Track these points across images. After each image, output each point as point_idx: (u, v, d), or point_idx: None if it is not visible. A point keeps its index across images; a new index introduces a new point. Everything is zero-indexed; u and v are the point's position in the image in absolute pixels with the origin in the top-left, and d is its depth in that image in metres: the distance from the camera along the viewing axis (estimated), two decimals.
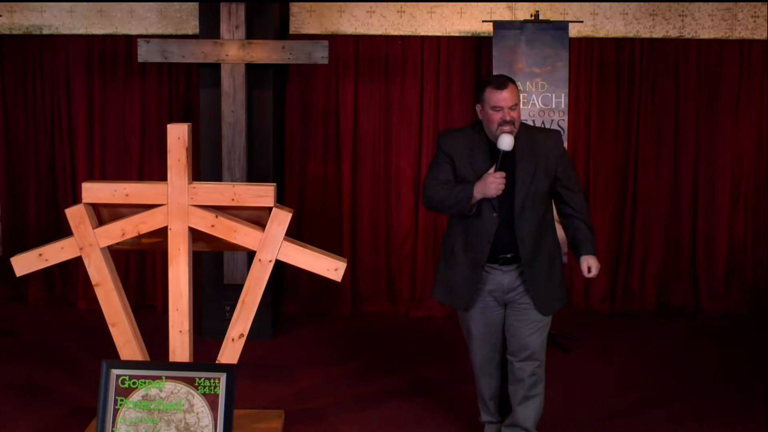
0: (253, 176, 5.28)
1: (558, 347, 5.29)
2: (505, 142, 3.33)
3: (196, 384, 3.35)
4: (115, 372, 3.36)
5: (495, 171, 3.33)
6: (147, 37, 5.75)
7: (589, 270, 3.48)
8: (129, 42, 5.86)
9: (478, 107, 3.46)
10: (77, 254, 3.51)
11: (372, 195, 6.07)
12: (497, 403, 3.78)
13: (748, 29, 6.03)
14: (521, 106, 5.38)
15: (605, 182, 6.12)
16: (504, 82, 3.40)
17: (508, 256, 3.47)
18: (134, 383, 3.35)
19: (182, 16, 5.90)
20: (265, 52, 5.11)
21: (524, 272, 3.46)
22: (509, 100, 3.36)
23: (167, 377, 3.36)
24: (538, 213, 3.46)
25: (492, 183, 3.31)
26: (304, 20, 5.94)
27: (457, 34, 5.98)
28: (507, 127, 3.35)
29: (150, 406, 3.34)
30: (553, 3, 5.91)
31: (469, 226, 3.47)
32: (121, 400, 3.34)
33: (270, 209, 3.49)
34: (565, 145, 5.39)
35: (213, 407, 3.34)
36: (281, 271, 5.79)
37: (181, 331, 3.51)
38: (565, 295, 3.63)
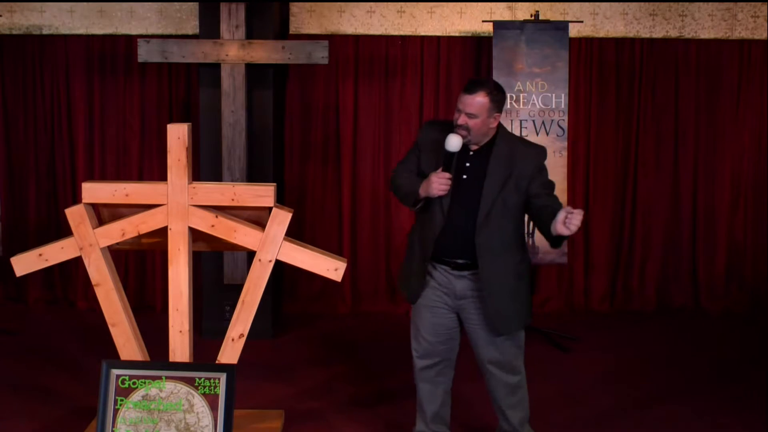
0: (253, 176, 5.28)
1: (557, 347, 5.29)
2: (451, 143, 3.27)
3: (196, 384, 3.35)
4: (115, 372, 3.36)
5: (441, 171, 3.29)
6: (147, 37, 5.75)
7: (567, 215, 3.09)
8: (129, 42, 5.87)
9: None
10: (77, 254, 3.51)
11: (372, 195, 6.07)
12: (437, 415, 3.65)
13: (748, 29, 6.03)
14: (521, 106, 5.42)
15: (605, 182, 6.12)
16: (474, 87, 3.31)
17: (460, 262, 3.41)
18: (134, 383, 3.35)
19: (182, 16, 5.90)
20: (265, 52, 5.11)
21: (482, 285, 3.37)
22: (468, 106, 3.29)
23: (167, 377, 3.36)
24: (504, 226, 3.37)
25: (434, 183, 3.27)
26: (304, 20, 5.95)
27: (457, 34, 5.98)
28: (461, 131, 3.31)
29: (150, 406, 3.34)
30: (553, 3, 5.91)
31: (424, 222, 3.49)
32: (121, 400, 3.34)
33: (270, 209, 3.49)
34: (565, 144, 5.44)
35: (213, 407, 3.34)
36: (281, 271, 5.79)
37: (181, 331, 3.51)
38: (528, 316, 3.50)
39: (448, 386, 3.65)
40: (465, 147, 3.35)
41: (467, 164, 3.39)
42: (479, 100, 3.29)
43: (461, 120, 3.31)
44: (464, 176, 3.38)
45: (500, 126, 3.43)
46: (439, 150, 3.35)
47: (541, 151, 3.45)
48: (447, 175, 3.28)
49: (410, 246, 3.62)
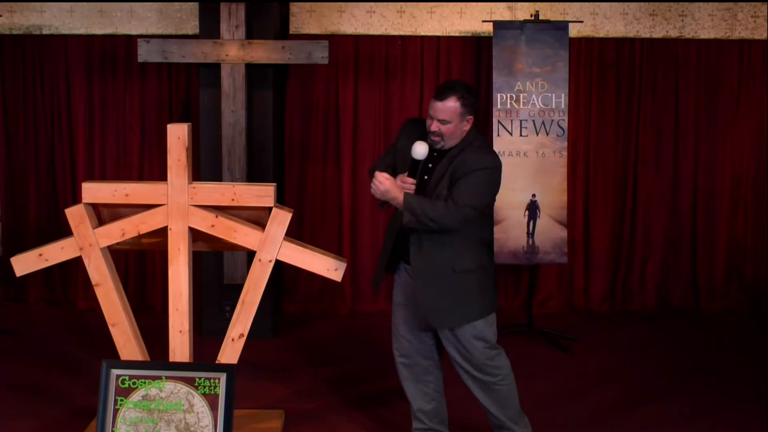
0: (253, 176, 5.28)
1: (557, 347, 5.29)
2: (417, 151, 3.30)
3: (196, 384, 3.35)
4: (115, 372, 3.36)
5: (407, 176, 3.33)
6: (147, 37, 5.74)
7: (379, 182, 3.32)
8: (129, 42, 5.87)
9: None
10: (77, 254, 3.51)
11: (372, 195, 6.05)
12: (430, 414, 3.65)
13: (748, 29, 6.03)
14: (521, 106, 5.42)
15: (605, 182, 6.12)
16: (445, 93, 3.31)
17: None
18: (134, 383, 3.35)
19: (182, 16, 5.90)
20: (265, 52, 5.11)
21: (413, 276, 3.43)
22: (440, 113, 3.30)
23: (167, 377, 3.36)
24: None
25: (396, 188, 3.33)
26: (304, 20, 5.94)
27: (457, 34, 5.98)
28: (434, 137, 3.34)
29: (150, 406, 3.34)
30: (553, 3, 5.91)
31: (393, 220, 3.55)
32: (121, 400, 3.34)
33: (270, 209, 3.49)
34: (565, 144, 5.44)
35: (213, 407, 3.34)
36: (281, 271, 5.79)
37: (181, 331, 3.52)
38: (474, 314, 3.41)
39: (438, 386, 3.66)
40: (432, 148, 3.37)
41: (429, 165, 3.41)
42: (450, 105, 3.30)
43: (434, 127, 3.33)
44: (425, 177, 3.41)
45: (471, 129, 3.41)
46: (411, 150, 3.37)
47: (482, 163, 3.33)
48: (411, 180, 3.33)
49: (384, 238, 3.68)
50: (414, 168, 3.35)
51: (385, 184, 3.33)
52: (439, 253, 3.37)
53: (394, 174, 3.44)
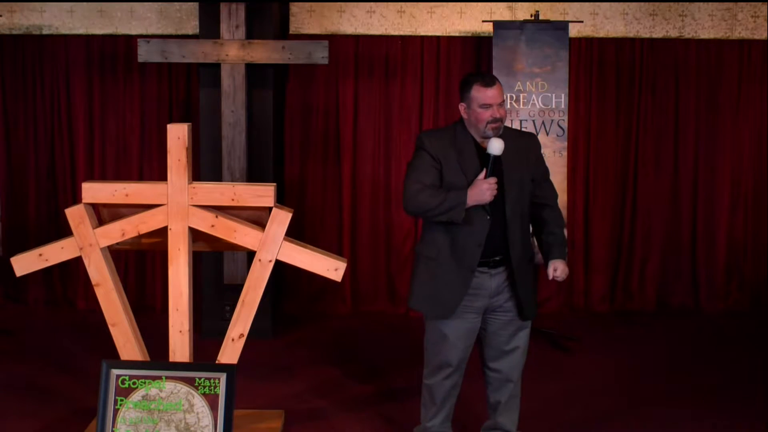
0: (253, 176, 5.28)
1: (557, 347, 5.29)
2: (496, 147, 3.24)
3: (196, 384, 3.35)
4: (115, 372, 3.36)
5: (486, 176, 3.25)
6: (147, 37, 5.75)
7: (555, 270, 3.39)
8: (129, 42, 5.87)
9: (462, 106, 3.35)
10: (77, 254, 3.51)
11: (372, 195, 6.07)
12: (453, 405, 3.63)
13: (748, 29, 6.03)
14: (521, 106, 5.43)
15: (605, 182, 6.12)
16: (492, 79, 3.32)
17: (497, 258, 3.38)
18: (134, 383, 3.35)
19: (182, 16, 5.90)
20: (265, 52, 5.11)
21: (511, 276, 3.39)
22: (498, 97, 3.29)
23: (167, 377, 3.36)
24: (525, 215, 3.44)
25: (488, 190, 3.23)
26: (304, 20, 5.95)
27: (457, 34, 5.98)
28: (496, 124, 3.28)
29: (150, 406, 3.34)
30: (553, 3, 5.91)
31: (458, 231, 3.32)
32: (121, 400, 3.34)
33: (270, 209, 3.49)
34: (565, 144, 5.45)
35: (213, 407, 3.34)
36: (281, 271, 5.79)
37: (181, 331, 3.51)
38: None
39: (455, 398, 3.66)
40: (478, 144, 3.35)
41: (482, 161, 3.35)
42: (501, 88, 3.33)
43: (498, 113, 3.29)
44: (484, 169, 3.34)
45: None
46: (461, 156, 3.33)
47: (536, 137, 3.58)
48: (494, 179, 3.26)
49: (431, 261, 3.41)
50: (494, 166, 3.27)
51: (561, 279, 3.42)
52: (527, 243, 3.46)
53: (454, 189, 3.35)
